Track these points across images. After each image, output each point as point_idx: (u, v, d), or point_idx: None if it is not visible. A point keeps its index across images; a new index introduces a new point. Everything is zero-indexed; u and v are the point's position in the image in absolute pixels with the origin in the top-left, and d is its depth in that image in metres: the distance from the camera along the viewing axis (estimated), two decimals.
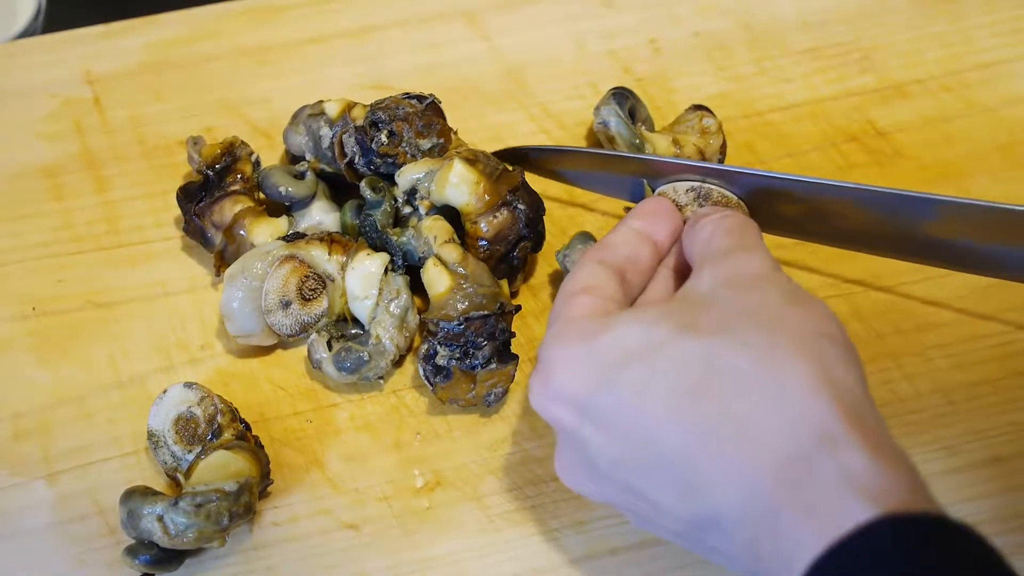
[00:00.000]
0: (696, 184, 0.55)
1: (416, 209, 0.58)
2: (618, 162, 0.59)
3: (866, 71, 0.72)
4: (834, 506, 0.37)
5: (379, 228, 0.58)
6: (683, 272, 0.50)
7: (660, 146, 0.63)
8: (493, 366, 0.54)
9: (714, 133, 0.64)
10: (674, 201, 0.54)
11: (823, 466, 0.38)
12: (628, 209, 0.64)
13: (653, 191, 0.57)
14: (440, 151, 0.59)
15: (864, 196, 0.53)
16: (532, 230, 0.58)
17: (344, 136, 0.60)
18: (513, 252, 0.58)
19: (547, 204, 0.60)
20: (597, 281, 0.47)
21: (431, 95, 0.60)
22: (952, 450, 0.55)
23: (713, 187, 0.55)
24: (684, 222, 0.52)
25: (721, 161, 0.65)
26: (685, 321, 0.42)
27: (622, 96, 0.64)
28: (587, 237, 0.59)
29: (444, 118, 0.60)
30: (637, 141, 0.62)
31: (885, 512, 0.36)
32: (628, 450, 0.42)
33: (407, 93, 0.60)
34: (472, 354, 0.54)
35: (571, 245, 0.58)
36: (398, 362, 0.58)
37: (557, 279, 0.62)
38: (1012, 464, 0.55)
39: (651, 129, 0.66)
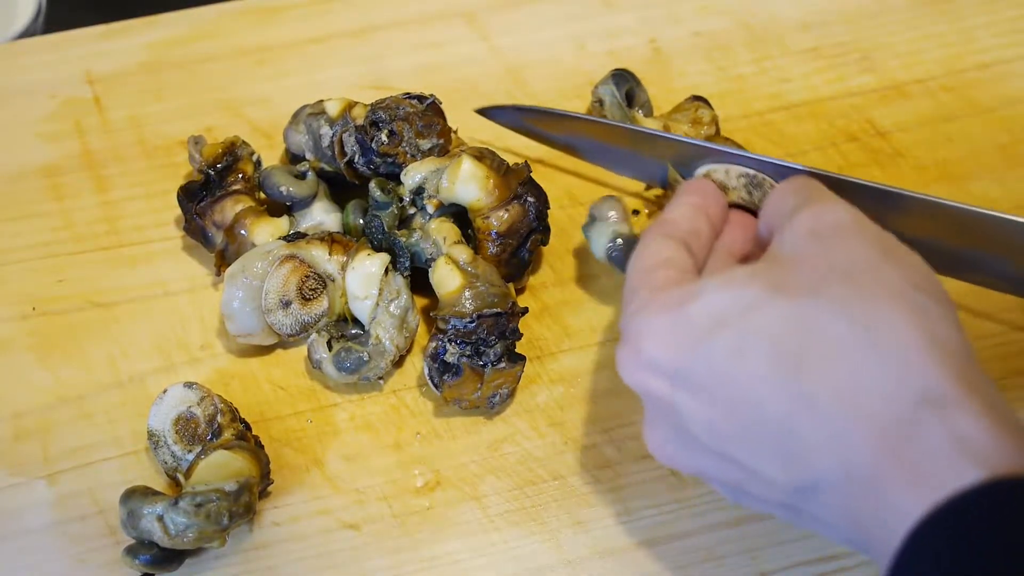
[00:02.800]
0: (752, 172, 0.53)
1: (423, 209, 0.58)
2: (639, 140, 0.58)
3: (866, 71, 0.72)
4: (940, 470, 0.36)
5: (386, 230, 0.58)
6: (736, 252, 0.50)
7: None
8: (503, 365, 0.54)
9: (706, 124, 0.64)
10: (722, 183, 0.53)
11: (929, 429, 0.36)
12: (635, 212, 0.65)
13: (681, 175, 0.57)
14: (440, 151, 0.59)
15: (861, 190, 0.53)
16: (541, 223, 0.58)
17: (344, 135, 0.60)
18: (525, 245, 0.58)
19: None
20: (670, 253, 0.46)
21: (431, 95, 0.60)
22: None
23: (767, 178, 0.53)
24: (729, 205, 0.52)
25: None
26: (775, 282, 0.41)
27: (621, 77, 0.65)
28: (610, 196, 0.57)
29: (444, 118, 0.60)
30: (628, 123, 0.63)
31: (995, 475, 0.35)
32: (724, 416, 0.40)
33: (408, 93, 0.60)
34: (483, 352, 0.54)
35: (599, 207, 0.56)
36: (398, 362, 0.58)
37: (581, 255, 0.62)
38: None
39: (649, 114, 0.66)
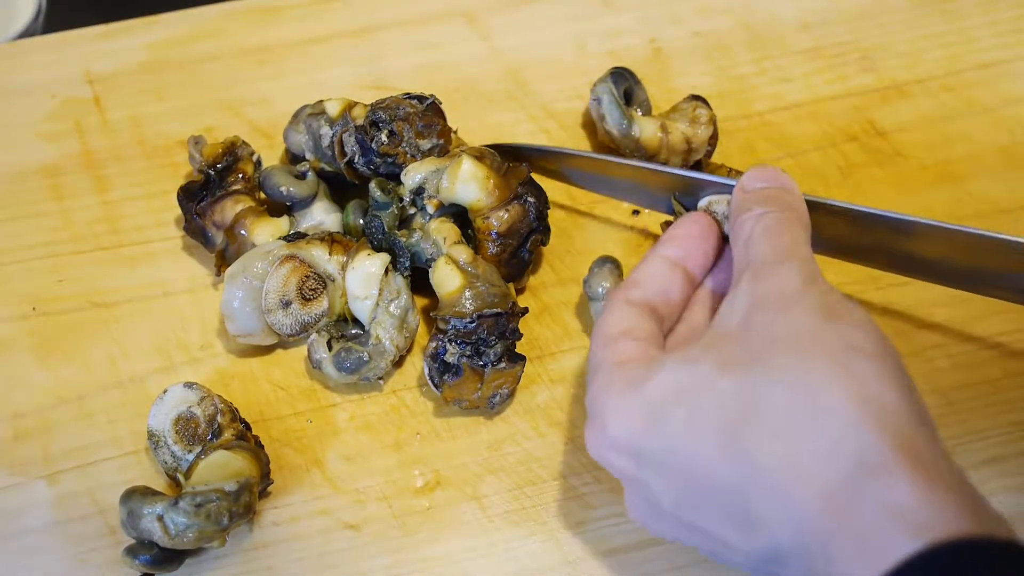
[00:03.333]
0: None
1: (423, 209, 0.58)
2: (623, 170, 0.59)
3: (866, 71, 0.72)
4: (880, 537, 0.36)
5: (386, 230, 0.58)
6: (723, 291, 0.49)
7: (648, 129, 0.63)
8: (503, 365, 0.54)
9: (704, 123, 0.64)
10: (716, 214, 0.52)
11: (866, 495, 0.37)
12: (636, 212, 0.65)
13: (683, 207, 0.55)
14: (440, 152, 0.59)
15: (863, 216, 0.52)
16: (542, 223, 0.58)
17: (344, 135, 0.60)
18: (525, 246, 0.58)
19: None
20: (631, 322, 0.47)
21: (432, 95, 0.60)
22: (952, 450, 0.55)
23: None
24: (725, 238, 0.51)
25: (709, 154, 0.65)
26: (723, 357, 0.42)
27: (619, 75, 0.65)
28: (606, 261, 0.58)
29: (444, 118, 0.60)
30: (626, 122, 0.63)
31: (932, 543, 0.35)
32: (685, 489, 0.42)
33: (408, 93, 0.60)
34: (483, 352, 0.54)
35: (592, 271, 0.58)
36: (398, 362, 0.58)
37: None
38: (1012, 464, 0.55)
39: (647, 113, 0.66)
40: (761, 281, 0.44)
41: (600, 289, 0.58)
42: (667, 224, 0.60)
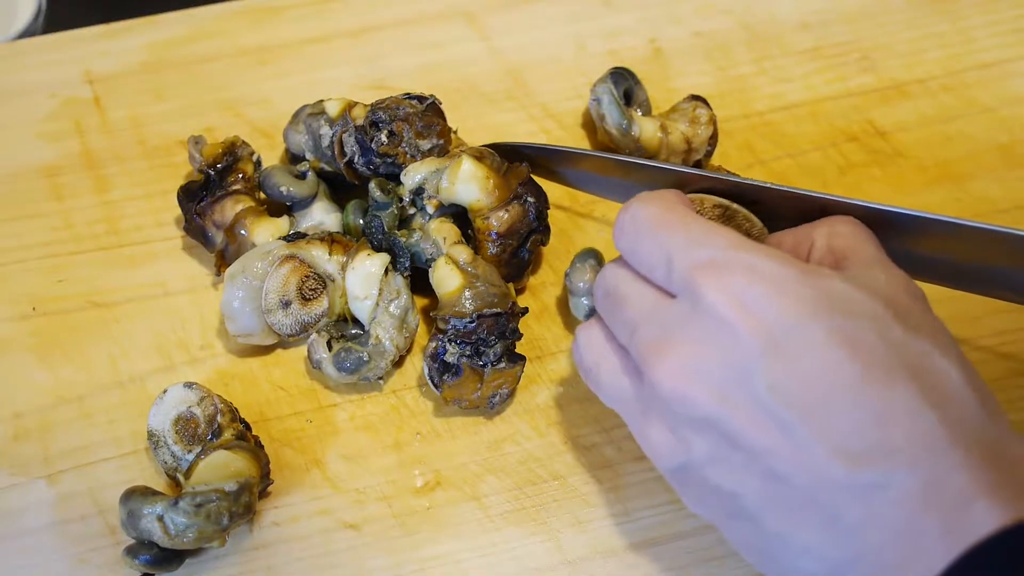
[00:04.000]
0: (726, 203, 0.51)
1: (422, 209, 0.58)
2: (624, 169, 0.58)
3: (866, 71, 0.72)
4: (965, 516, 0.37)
5: (386, 230, 0.58)
6: None
7: (648, 130, 0.63)
8: (503, 365, 0.54)
9: (704, 124, 0.64)
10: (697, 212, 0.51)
11: (957, 476, 0.38)
12: None
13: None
14: (440, 152, 0.59)
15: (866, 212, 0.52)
16: (542, 223, 0.58)
17: (344, 135, 0.60)
18: (524, 246, 0.58)
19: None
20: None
21: (432, 96, 0.60)
22: None
23: (740, 209, 0.52)
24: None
25: (709, 154, 0.65)
26: (896, 312, 0.42)
27: (619, 76, 0.65)
28: (589, 255, 0.57)
29: (444, 119, 0.60)
30: (626, 122, 0.63)
31: (1016, 519, 0.36)
32: (809, 383, 0.40)
33: (408, 93, 0.60)
34: (483, 352, 0.54)
35: (575, 265, 0.57)
36: (398, 362, 0.58)
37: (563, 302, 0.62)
38: None
39: (647, 113, 0.66)
40: (895, 273, 0.45)
41: (582, 284, 0.56)
42: None
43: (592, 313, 0.54)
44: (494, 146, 0.61)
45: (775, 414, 0.39)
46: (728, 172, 0.64)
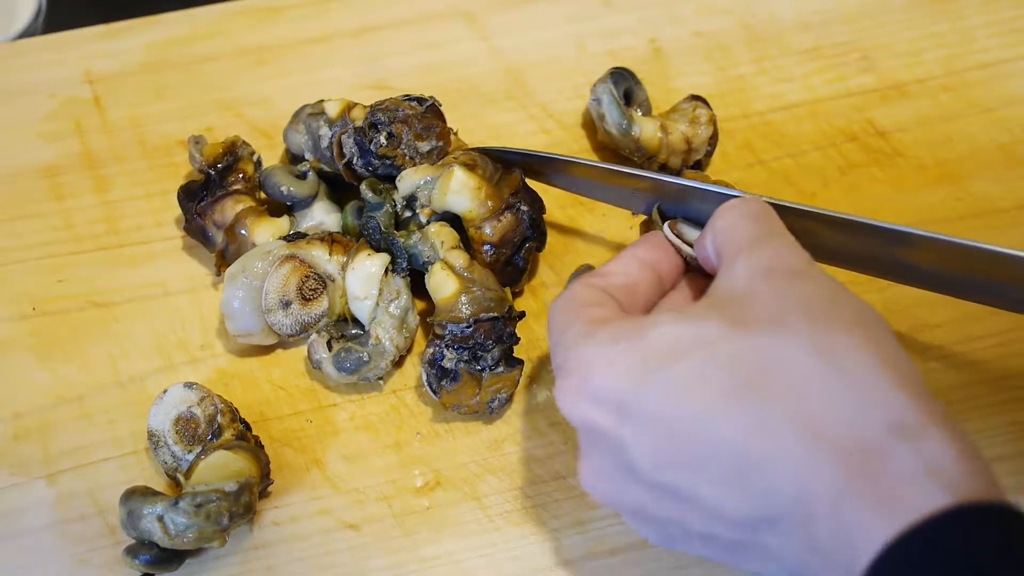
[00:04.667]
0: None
1: (415, 215, 0.58)
2: (620, 178, 0.57)
3: (866, 71, 0.72)
4: (909, 495, 0.36)
5: (382, 229, 0.58)
6: (702, 290, 0.49)
7: (648, 130, 0.63)
8: (500, 370, 0.54)
9: (704, 124, 0.64)
10: (680, 237, 0.51)
11: (899, 455, 0.37)
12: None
13: (662, 217, 0.54)
14: (439, 153, 0.59)
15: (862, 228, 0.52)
16: (536, 230, 0.58)
17: (343, 137, 0.60)
18: (519, 254, 0.58)
19: (546, 205, 0.60)
20: (596, 298, 0.46)
21: (431, 97, 0.60)
22: None
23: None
24: (685, 262, 0.51)
25: (709, 154, 0.65)
26: (733, 316, 0.41)
27: (619, 76, 0.65)
28: (586, 270, 0.57)
29: (444, 120, 0.60)
30: (625, 122, 0.63)
31: (962, 501, 0.36)
32: (676, 446, 0.40)
33: (407, 95, 0.60)
34: (480, 357, 0.54)
35: (569, 281, 0.56)
36: (398, 363, 0.58)
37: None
38: (1012, 464, 0.55)
39: (647, 113, 0.66)
40: (763, 252, 0.44)
41: None
42: (646, 224, 0.60)
43: None
44: (484, 150, 0.60)
45: (667, 487, 0.41)
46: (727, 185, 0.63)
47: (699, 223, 0.53)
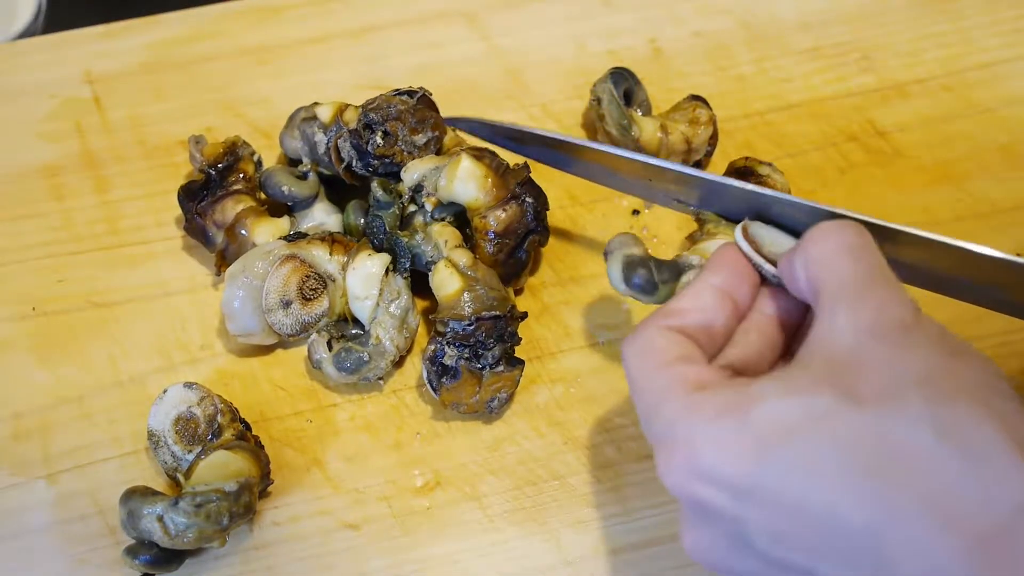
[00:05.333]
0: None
1: (422, 207, 0.58)
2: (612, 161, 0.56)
3: (866, 71, 0.72)
4: None
5: (387, 229, 0.58)
6: (785, 318, 0.46)
7: (648, 130, 0.63)
8: (501, 369, 0.54)
9: (704, 124, 0.64)
10: (757, 248, 0.46)
11: None
12: (635, 212, 0.65)
13: (747, 230, 0.48)
14: (436, 144, 0.59)
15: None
16: (540, 223, 0.58)
17: (339, 141, 0.59)
18: (522, 246, 0.58)
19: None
20: (682, 350, 0.43)
21: (420, 88, 0.60)
22: None
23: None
24: (762, 276, 0.47)
25: (709, 154, 0.65)
26: (847, 388, 0.39)
27: (620, 76, 0.65)
28: (620, 236, 0.52)
29: (437, 111, 0.60)
30: (625, 122, 0.63)
31: None
32: (796, 527, 0.38)
33: (397, 89, 0.60)
34: (481, 355, 0.54)
35: (609, 243, 0.52)
36: (398, 363, 0.58)
37: (581, 255, 0.62)
38: None
39: (647, 113, 0.66)
40: (868, 304, 0.41)
41: (617, 241, 0.51)
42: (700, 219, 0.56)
43: (628, 271, 0.50)
44: (454, 120, 0.60)
45: (783, 561, 0.40)
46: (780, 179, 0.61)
47: (771, 222, 0.49)
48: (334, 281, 0.58)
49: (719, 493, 0.40)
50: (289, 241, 0.58)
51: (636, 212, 0.65)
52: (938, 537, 0.37)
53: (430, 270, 0.56)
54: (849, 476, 0.38)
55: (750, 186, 0.50)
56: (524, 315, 0.56)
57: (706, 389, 0.41)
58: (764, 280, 0.47)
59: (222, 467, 0.51)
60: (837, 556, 0.38)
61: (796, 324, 0.47)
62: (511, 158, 0.60)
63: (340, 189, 0.62)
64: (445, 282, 0.55)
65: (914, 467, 0.37)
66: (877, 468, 0.37)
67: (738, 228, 0.48)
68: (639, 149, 0.64)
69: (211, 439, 0.52)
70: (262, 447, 0.54)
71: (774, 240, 0.48)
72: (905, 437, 0.38)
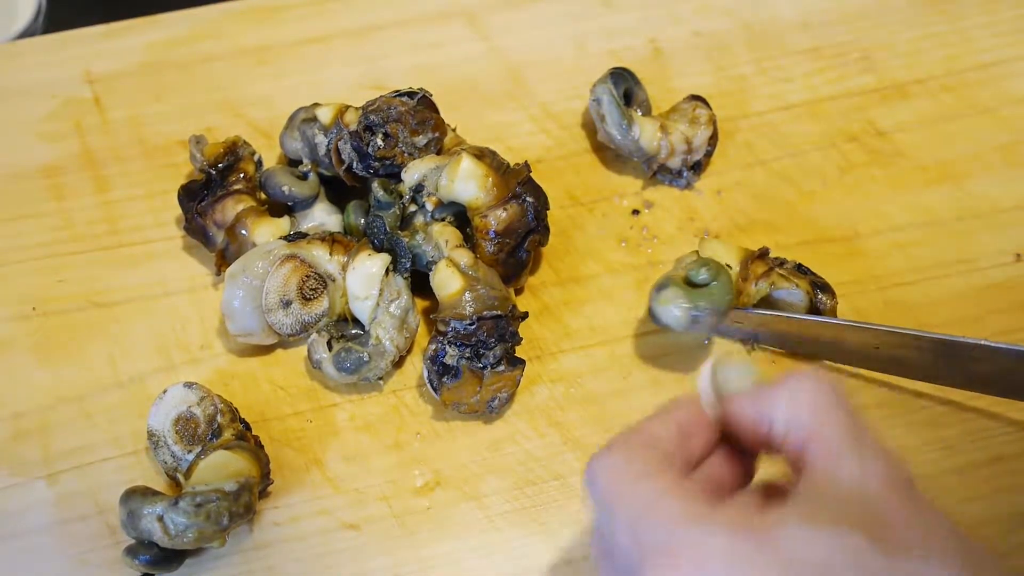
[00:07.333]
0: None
1: (423, 206, 0.58)
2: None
3: (866, 71, 0.72)
4: None
5: (388, 229, 0.58)
6: (717, 483, 0.44)
7: (648, 130, 0.63)
8: (502, 368, 0.54)
9: (704, 124, 0.64)
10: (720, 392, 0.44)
11: None
12: (635, 211, 0.65)
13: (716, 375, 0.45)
14: (436, 145, 0.59)
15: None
16: (540, 222, 0.58)
17: (339, 143, 0.59)
18: (522, 246, 0.58)
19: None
20: (663, 462, 0.41)
21: (421, 89, 0.60)
22: (952, 450, 0.55)
23: None
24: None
25: (709, 154, 0.65)
26: (876, 532, 0.38)
27: (619, 76, 0.65)
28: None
29: (437, 111, 0.60)
30: (626, 122, 0.63)
31: None
32: None
33: (397, 91, 0.60)
34: (482, 354, 0.54)
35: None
36: (398, 363, 0.58)
37: (581, 255, 0.62)
38: (1012, 464, 0.55)
39: (647, 113, 0.66)
40: (875, 457, 0.41)
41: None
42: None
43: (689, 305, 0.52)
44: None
45: None
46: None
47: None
48: (334, 281, 0.58)
49: None
50: (289, 241, 0.58)
51: (636, 212, 0.65)
52: None
53: (431, 270, 0.56)
54: None
55: None
56: (525, 315, 0.56)
57: (703, 500, 0.40)
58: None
59: (222, 467, 0.51)
60: None
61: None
62: (511, 158, 0.60)
63: (340, 189, 0.62)
64: (446, 282, 0.55)
65: None
66: None
67: (707, 368, 0.45)
68: (639, 149, 0.64)
69: (211, 439, 0.52)
70: (262, 447, 0.54)
71: (739, 380, 0.44)
72: None
